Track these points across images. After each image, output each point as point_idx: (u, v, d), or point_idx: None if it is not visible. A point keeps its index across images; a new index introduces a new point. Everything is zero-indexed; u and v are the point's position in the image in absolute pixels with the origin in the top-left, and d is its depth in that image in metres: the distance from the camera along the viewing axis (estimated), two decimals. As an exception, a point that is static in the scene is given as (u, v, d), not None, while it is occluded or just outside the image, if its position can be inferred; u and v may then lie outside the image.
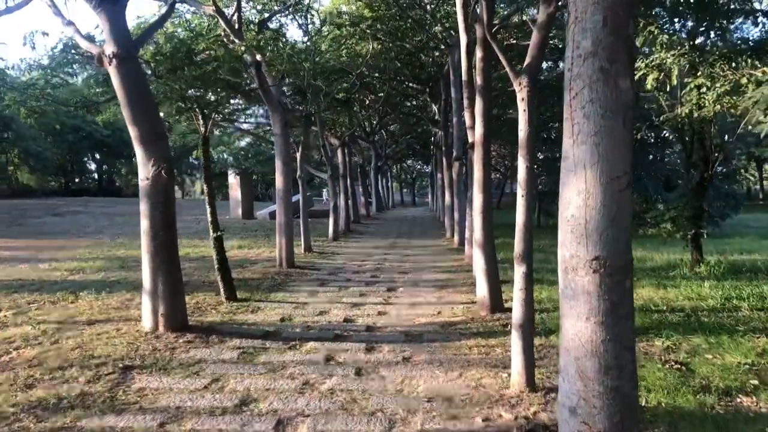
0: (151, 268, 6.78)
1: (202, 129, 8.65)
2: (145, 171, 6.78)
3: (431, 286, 10.15)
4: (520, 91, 4.90)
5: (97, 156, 46.92)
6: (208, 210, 8.65)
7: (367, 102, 24.13)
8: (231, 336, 6.80)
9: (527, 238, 4.88)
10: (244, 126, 22.16)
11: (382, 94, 21.21)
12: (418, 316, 7.91)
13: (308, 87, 13.75)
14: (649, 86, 9.37)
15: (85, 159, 49.31)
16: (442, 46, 18.01)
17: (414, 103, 26.76)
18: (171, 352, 6.13)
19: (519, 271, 4.94)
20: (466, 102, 10.25)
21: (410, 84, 23.68)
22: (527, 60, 4.93)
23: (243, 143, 26.97)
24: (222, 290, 8.79)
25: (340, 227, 20.01)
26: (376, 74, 19.79)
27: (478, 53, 7.75)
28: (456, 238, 16.30)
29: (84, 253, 14.25)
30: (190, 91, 8.66)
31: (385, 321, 7.67)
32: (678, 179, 18.94)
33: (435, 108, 22.82)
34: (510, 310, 7.93)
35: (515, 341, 4.96)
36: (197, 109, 8.70)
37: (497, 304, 7.87)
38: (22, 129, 33.95)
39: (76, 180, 48.93)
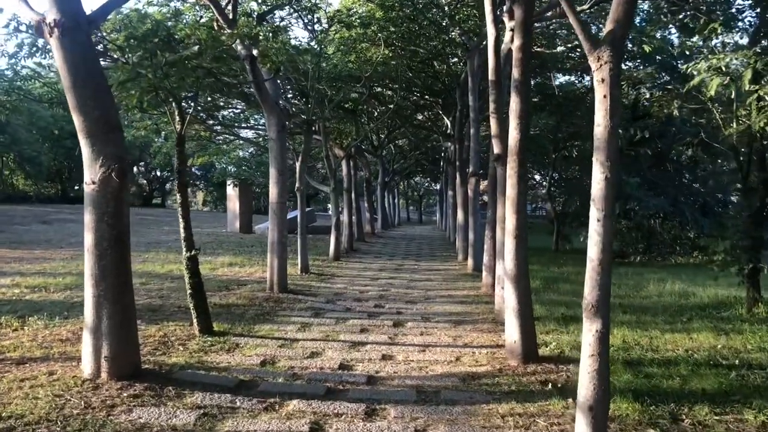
0: (94, 297, 5.28)
1: (178, 126, 7.19)
2: (91, 172, 5.31)
3: (446, 321, 8.62)
4: (599, 69, 3.42)
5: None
6: (181, 224, 7.18)
7: (376, 113, 22.76)
8: (193, 387, 5.27)
9: (604, 281, 3.37)
10: (247, 134, 20.77)
11: (392, 106, 19.81)
12: (432, 364, 6.37)
13: (311, 89, 12.34)
14: (711, 93, 7.90)
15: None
16: (460, 52, 16.65)
17: (427, 114, 25.34)
18: (107, 411, 4.60)
19: (590, 329, 3.43)
20: (492, 107, 8.80)
21: (423, 95, 22.29)
22: (608, 26, 3.46)
23: (246, 153, 25.54)
24: (195, 321, 7.29)
25: (343, 246, 18.51)
26: (387, 81, 18.39)
27: (516, 41, 6.30)
28: (470, 262, 14.77)
29: (56, 267, 12.77)
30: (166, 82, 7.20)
31: (391, 369, 6.14)
32: (716, 204, 17.43)
33: (447, 122, 21.43)
34: (547, 359, 6.40)
35: (582, 430, 3.43)
36: (173, 103, 7.25)
37: (531, 352, 6.33)
38: (17, 133, 32.72)
39: (75, 187, 47.63)
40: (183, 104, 7.36)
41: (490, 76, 8.93)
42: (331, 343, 7.12)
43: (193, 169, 51.63)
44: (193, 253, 7.15)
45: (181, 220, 7.16)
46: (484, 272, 11.50)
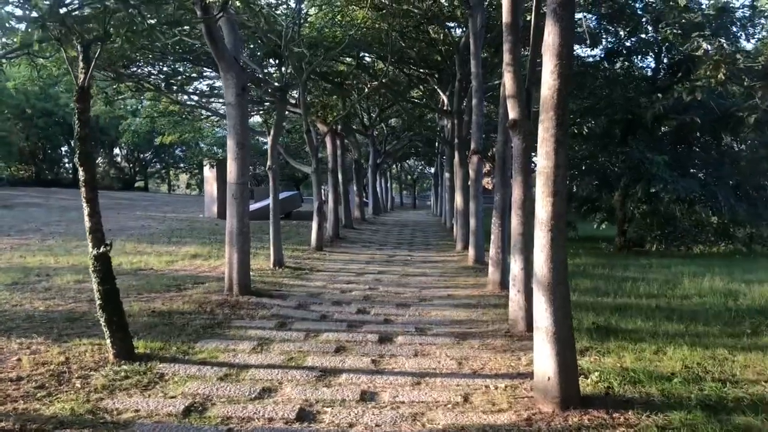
0: None
1: (81, 76, 5.20)
2: None
3: (447, 335, 6.71)
4: None
5: (72, 144, 43.35)
6: (86, 210, 5.21)
7: (366, 89, 20.71)
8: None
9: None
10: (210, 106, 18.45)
11: (383, 79, 17.75)
12: (431, 408, 4.48)
13: (285, 49, 10.34)
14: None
15: (66, 147, 45.80)
16: (459, 13, 14.66)
17: (422, 88, 23.29)
18: None
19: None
20: (507, 58, 6.87)
21: (418, 66, 20.25)
22: None
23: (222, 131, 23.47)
24: (109, 342, 5.36)
25: (327, 233, 16.56)
26: (376, 47, 16.33)
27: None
28: (471, 252, 12.86)
29: (-15, 259, 10.84)
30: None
31: (372, 419, 4.25)
32: (748, 186, 15.58)
33: (444, 97, 19.39)
34: (592, 402, 4.46)
35: None
36: (77, 42, 5.25)
37: (571, 393, 4.44)
38: (-18, 111, 30.53)
39: (53, 169, 45.37)
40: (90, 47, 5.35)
41: (505, 18, 6.95)
42: (293, 373, 5.22)
43: (177, 151, 49.52)
44: (102, 250, 5.19)
45: (85, 204, 5.19)
46: (491, 267, 9.61)
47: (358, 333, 6.68)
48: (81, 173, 5.16)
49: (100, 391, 4.61)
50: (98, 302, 5.27)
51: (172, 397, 4.57)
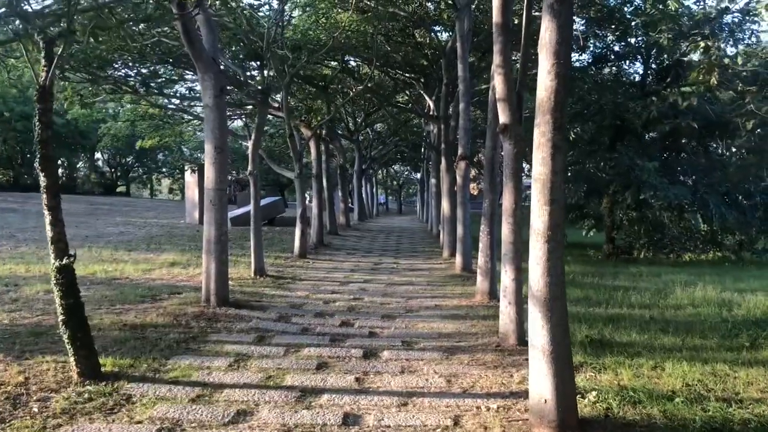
0: None
1: (42, 74, 4.83)
2: None
3: (434, 349, 6.39)
4: None
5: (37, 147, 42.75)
6: (47, 218, 4.83)
7: (351, 93, 20.40)
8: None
9: None
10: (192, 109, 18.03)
11: (368, 84, 17.43)
12: (419, 432, 4.17)
13: (267, 50, 9.99)
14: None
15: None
16: (446, 16, 14.40)
17: (408, 92, 23.03)
18: None
19: None
20: (497, 59, 6.59)
21: (403, 73, 19.97)
22: None
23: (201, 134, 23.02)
24: (72, 360, 4.98)
25: (311, 240, 16.19)
26: (362, 49, 16.02)
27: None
28: (458, 259, 12.57)
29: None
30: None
31: (356, 446, 3.92)
32: (738, 194, 15.42)
33: (430, 102, 19.11)
34: (591, 426, 4.21)
35: None
36: (40, 40, 4.88)
37: (569, 416, 4.15)
38: (-43, 114, 29.83)
39: (32, 174, 44.52)
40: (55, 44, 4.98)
41: (495, 17, 6.66)
42: (271, 393, 4.87)
43: (159, 156, 48.89)
44: (65, 261, 4.81)
45: (46, 212, 4.81)
46: (479, 276, 9.32)
47: (342, 348, 6.34)
48: (42, 179, 4.78)
49: (59, 416, 4.24)
50: (61, 317, 4.89)
51: (139, 422, 4.21)
